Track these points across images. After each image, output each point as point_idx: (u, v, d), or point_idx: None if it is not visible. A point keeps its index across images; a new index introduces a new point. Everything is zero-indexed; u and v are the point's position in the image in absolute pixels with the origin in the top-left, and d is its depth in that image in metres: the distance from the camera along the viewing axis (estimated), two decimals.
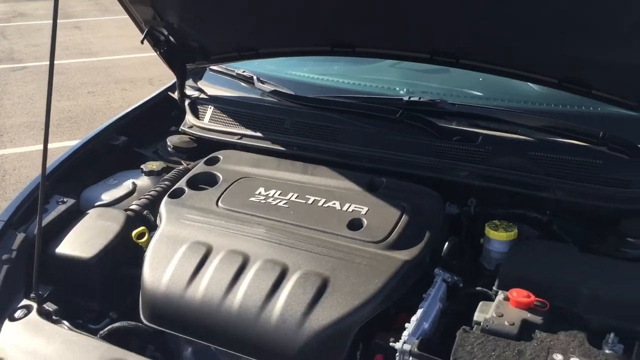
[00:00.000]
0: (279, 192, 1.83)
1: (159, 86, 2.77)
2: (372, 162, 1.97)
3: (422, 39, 1.87)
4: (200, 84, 2.55)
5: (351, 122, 2.09)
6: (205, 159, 2.07)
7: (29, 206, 1.91)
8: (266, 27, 2.08)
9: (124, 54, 8.71)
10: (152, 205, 1.92)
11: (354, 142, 2.03)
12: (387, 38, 1.93)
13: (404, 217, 1.67)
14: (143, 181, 2.13)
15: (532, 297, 1.41)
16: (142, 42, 2.21)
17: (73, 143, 2.35)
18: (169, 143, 2.32)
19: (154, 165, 2.17)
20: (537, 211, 1.76)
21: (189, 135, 2.32)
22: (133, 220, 1.84)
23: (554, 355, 1.28)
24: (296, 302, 1.43)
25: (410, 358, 1.32)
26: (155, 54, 2.33)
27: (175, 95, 2.48)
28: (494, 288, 1.51)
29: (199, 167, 2.03)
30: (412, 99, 2.07)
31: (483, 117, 1.99)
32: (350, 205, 1.74)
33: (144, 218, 1.88)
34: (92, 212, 1.90)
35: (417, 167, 1.90)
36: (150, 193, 1.98)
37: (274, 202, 1.78)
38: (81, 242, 1.77)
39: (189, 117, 2.35)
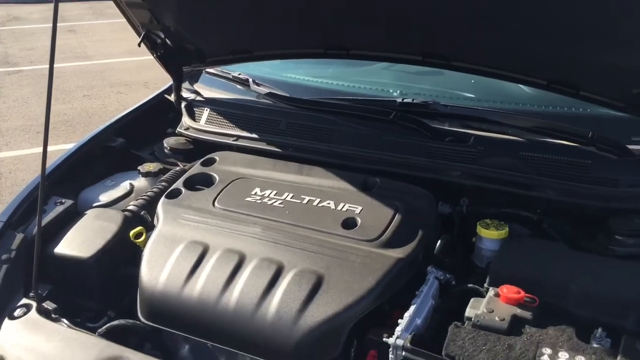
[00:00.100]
0: (274, 192, 1.84)
1: (154, 89, 2.78)
2: (366, 162, 1.98)
3: (414, 41, 1.89)
4: (197, 86, 2.57)
5: (346, 124, 2.11)
6: (202, 160, 2.08)
7: (27, 207, 1.93)
8: (261, 30, 2.10)
9: (119, 57, 8.73)
10: (150, 205, 1.94)
11: (348, 143, 2.05)
12: (381, 40, 1.95)
13: (397, 216, 1.69)
14: (140, 182, 2.15)
15: (522, 293, 1.43)
16: (139, 45, 2.23)
17: (69, 146, 2.36)
18: (165, 145, 2.34)
19: (151, 166, 2.18)
20: (528, 210, 1.79)
21: (186, 137, 2.33)
22: (130, 220, 1.86)
23: (543, 349, 1.30)
24: (291, 299, 1.45)
25: (403, 353, 1.34)
26: (150, 57, 2.34)
27: (172, 97, 2.49)
28: (485, 285, 1.54)
29: (196, 168, 2.04)
30: (405, 100, 2.08)
31: (475, 118, 2.01)
32: (344, 205, 1.76)
33: (142, 218, 1.90)
34: (90, 213, 1.92)
35: (410, 168, 1.92)
36: (147, 194, 2.00)
37: (270, 202, 1.80)
38: (79, 242, 1.78)
39: (186, 119, 2.37)
